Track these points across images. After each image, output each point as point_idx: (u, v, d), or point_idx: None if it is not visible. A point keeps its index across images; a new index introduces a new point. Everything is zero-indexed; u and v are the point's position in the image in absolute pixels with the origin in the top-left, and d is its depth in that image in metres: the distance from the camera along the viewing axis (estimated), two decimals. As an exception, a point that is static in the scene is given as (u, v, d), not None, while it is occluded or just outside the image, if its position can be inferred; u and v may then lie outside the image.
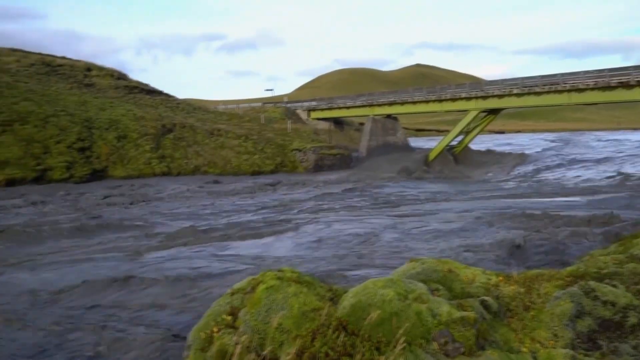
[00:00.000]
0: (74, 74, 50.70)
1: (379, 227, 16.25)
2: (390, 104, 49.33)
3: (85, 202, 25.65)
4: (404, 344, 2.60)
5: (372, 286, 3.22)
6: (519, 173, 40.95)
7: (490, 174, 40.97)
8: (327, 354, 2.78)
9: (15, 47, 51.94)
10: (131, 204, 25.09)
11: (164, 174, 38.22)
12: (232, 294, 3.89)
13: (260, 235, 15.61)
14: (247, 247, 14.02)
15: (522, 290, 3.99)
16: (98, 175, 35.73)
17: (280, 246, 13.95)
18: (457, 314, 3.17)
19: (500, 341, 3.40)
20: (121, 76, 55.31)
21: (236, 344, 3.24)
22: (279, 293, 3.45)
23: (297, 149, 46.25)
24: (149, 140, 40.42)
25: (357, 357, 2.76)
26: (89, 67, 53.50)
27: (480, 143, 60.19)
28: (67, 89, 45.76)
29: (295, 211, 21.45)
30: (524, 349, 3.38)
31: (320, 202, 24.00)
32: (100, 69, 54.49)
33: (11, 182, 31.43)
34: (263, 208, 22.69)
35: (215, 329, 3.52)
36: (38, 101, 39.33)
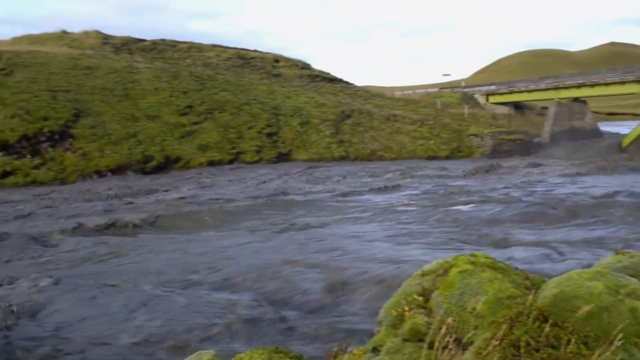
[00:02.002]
0: (264, 66, 54.29)
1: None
2: (579, 86, 45.30)
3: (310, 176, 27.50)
4: (622, 341, 2.37)
5: (577, 277, 2.98)
6: None
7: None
8: (528, 343, 2.64)
9: (216, 43, 57.01)
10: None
11: (342, 158, 39.40)
12: (422, 275, 3.87)
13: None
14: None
15: None
16: (283, 158, 37.97)
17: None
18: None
19: None
20: (305, 66, 57.96)
21: (429, 324, 3.22)
22: (473, 278, 3.35)
23: (473, 134, 44.68)
24: (329, 126, 41.94)
25: (561, 350, 2.58)
26: (277, 59, 56.88)
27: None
28: (258, 80, 49.16)
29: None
30: None
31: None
32: (287, 60, 57.62)
33: (211, 163, 34.74)
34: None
35: (406, 308, 3.52)
36: (234, 91, 42.86)
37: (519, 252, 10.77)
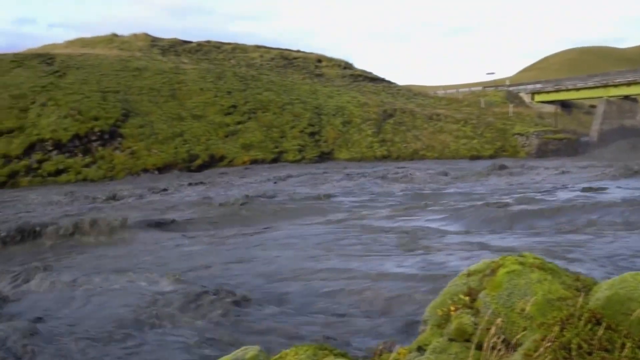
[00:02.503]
0: (306, 66, 54.50)
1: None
2: (629, 84, 43.79)
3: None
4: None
5: (631, 279, 2.88)
6: None
7: None
8: (579, 346, 2.56)
9: (259, 44, 57.55)
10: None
11: (384, 157, 39.18)
12: (469, 275, 3.81)
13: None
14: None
15: None
16: (325, 157, 38.03)
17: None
18: None
19: None
20: (347, 66, 57.90)
21: (476, 324, 3.17)
22: (521, 278, 3.28)
23: (518, 133, 43.75)
24: (371, 125, 41.79)
25: (615, 354, 2.50)
26: (319, 59, 57.02)
27: None
28: (301, 79, 49.38)
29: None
30: None
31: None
32: (329, 60, 57.69)
33: (254, 162, 35.09)
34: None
35: (452, 308, 3.47)
36: (277, 91, 43.18)
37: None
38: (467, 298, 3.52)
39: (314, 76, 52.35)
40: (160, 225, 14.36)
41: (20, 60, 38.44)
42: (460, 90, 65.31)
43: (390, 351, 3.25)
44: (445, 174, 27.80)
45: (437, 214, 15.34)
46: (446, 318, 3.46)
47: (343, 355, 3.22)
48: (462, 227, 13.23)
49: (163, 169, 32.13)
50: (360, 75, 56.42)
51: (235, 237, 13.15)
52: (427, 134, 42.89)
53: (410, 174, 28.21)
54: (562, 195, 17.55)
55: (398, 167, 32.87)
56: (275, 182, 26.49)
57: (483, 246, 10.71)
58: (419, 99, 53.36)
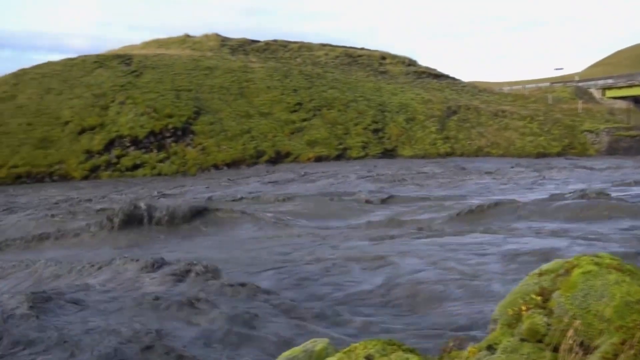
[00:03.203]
0: (370, 63, 54.21)
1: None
2: None
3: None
4: None
5: None
6: None
7: None
8: (662, 352, 2.42)
9: (324, 42, 57.73)
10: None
11: (447, 154, 38.44)
12: (540, 274, 3.67)
13: None
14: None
15: None
16: (388, 154, 37.72)
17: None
18: None
19: None
20: (411, 63, 57.17)
21: (548, 325, 3.05)
22: (598, 279, 3.13)
23: (588, 130, 41.85)
24: (434, 122, 41.10)
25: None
26: (383, 56, 56.58)
27: None
28: (365, 77, 49.17)
29: None
30: None
31: None
32: (393, 57, 57.13)
33: (318, 159, 35.27)
34: None
35: (523, 307, 3.36)
36: (341, 88, 43.20)
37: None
38: (539, 298, 3.40)
39: (378, 73, 52.00)
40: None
41: (101, 61, 40.29)
42: (527, 86, 63.09)
43: (461, 349, 3.18)
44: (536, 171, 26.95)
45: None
46: (517, 318, 3.35)
47: (411, 351, 3.19)
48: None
49: (232, 164, 32.85)
50: (424, 72, 55.58)
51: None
52: (491, 130, 41.74)
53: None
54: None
55: (477, 166, 31.99)
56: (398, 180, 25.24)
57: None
58: (483, 96, 51.98)
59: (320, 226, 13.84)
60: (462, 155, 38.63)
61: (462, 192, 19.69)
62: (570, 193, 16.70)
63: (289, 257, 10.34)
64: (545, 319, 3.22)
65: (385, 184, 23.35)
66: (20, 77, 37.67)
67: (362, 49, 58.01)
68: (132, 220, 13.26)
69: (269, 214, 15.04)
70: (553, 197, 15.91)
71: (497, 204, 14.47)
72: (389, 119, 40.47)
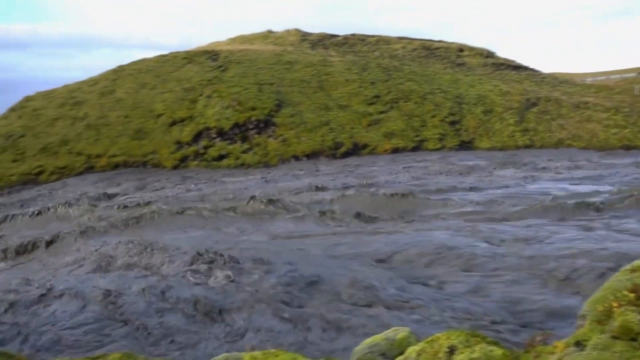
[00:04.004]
0: (448, 55, 52.87)
1: None
2: None
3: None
4: None
5: None
6: None
7: None
8: None
9: (402, 35, 56.91)
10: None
11: (526, 147, 36.86)
12: (632, 270, 3.47)
13: None
14: None
15: None
16: (465, 146, 36.69)
17: None
18: None
19: None
20: (489, 54, 55.20)
21: (643, 324, 2.87)
22: (698, 278, 2.90)
23: (680, 123, 38.74)
24: (513, 114, 39.53)
25: None
26: (461, 48, 55.00)
27: None
28: (442, 69, 48.06)
29: None
30: None
31: None
32: (471, 49, 55.39)
33: (395, 150, 34.91)
34: None
35: (614, 304, 3.18)
36: (418, 81, 42.46)
37: None
38: (632, 295, 3.20)
39: (455, 65, 50.63)
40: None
41: (190, 57, 41.84)
42: (612, 77, 59.24)
43: (546, 344, 3.05)
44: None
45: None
46: (607, 314, 3.18)
47: (495, 343, 3.10)
48: None
49: (311, 155, 33.18)
50: (502, 64, 53.50)
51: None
52: (573, 122, 39.59)
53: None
54: None
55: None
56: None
57: None
58: (565, 87, 49.35)
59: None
60: (541, 147, 36.93)
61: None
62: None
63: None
64: (638, 317, 3.03)
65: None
66: (119, 73, 39.89)
67: (440, 41, 56.66)
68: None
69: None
70: None
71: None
72: (466, 111, 39.36)
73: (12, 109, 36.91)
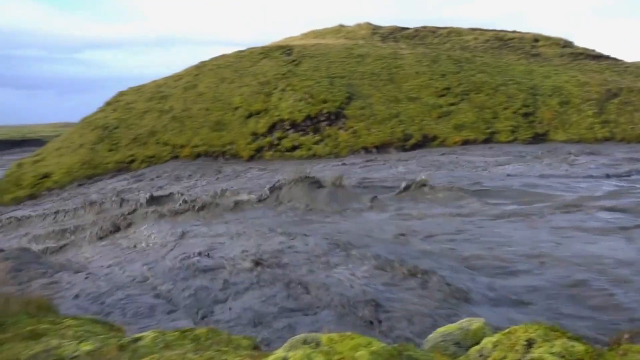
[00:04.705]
0: (522, 46, 50.69)
1: None
2: None
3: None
4: None
5: None
6: None
7: None
8: None
9: (473, 26, 55.09)
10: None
11: (605, 139, 34.79)
12: None
13: None
14: None
15: None
16: (539, 138, 35.13)
17: None
18: None
19: None
20: (566, 44, 52.37)
21: None
22: None
23: None
24: (591, 106, 37.38)
25: None
26: (536, 38, 52.54)
27: None
28: (516, 60, 46.17)
29: None
30: None
31: None
32: (547, 39, 52.78)
33: (465, 142, 33.98)
34: None
35: None
36: (490, 72, 41.02)
37: None
38: None
39: (530, 56, 48.46)
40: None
41: (266, 52, 42.56)
42: (703, 65, 54.58)
43: (633, 342, 2.88)
44: None
45: None
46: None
47: (576, 339, 2.96)
48: None
49: (380, 147, 32.94)
50: (581, 54, 50.61)
51: None
52: (658, 114, 36.90)
53: None
54: None
55: None
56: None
57: None
58: (649, 77, 46.02)
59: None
60: (622, 140, 34.74)
61: None
62: None
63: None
64: None
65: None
66: (201, 68, 41.26)
67: (514, 31, 54.38)
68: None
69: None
70: None
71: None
72: (540, 103, 37.62)
73: (108, 103, 39.22)
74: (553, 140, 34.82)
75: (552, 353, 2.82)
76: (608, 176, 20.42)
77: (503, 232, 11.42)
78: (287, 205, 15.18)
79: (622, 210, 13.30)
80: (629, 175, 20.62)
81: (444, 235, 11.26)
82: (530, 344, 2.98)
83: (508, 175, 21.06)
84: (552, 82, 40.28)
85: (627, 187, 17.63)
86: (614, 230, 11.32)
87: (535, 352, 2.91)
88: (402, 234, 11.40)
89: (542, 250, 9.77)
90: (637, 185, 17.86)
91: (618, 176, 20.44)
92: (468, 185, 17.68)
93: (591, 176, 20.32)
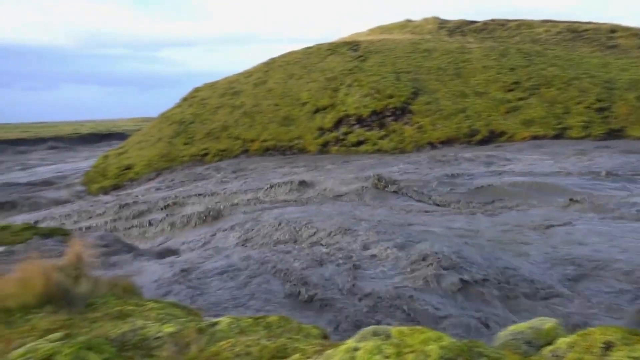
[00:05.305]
0: (597, 38, 47.88)
1: None
2: None
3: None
4: None
5: None
6: None
7: None
8: None
9: (545, 18, 52.62)
10: None
11: (688, 135, 32.26)
12: None
13: None
14: None
15: None
16: (614, 134, 33.11)
17: None
18: None
19: None
20: (647, 35, 48.90)
21: None
22: None
23: None
24: (674, 100, 34.77)
25: None
26: (613, 29, 49.43)
27: None
28: (589, 52, 43.70)
29: None
30: None
31: None
32: (625, 29, 49.52)
33: (534, 138, 32.60)
34: None
35: None
36: (562, 65, 39.07)
37: None
38: None
39: (606, 48, 45.68)
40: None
41: (333, 48, 42.63)
42: None
43: None
44: None
45: None
46: None
47: (659, 344, 2.78)
48: None
49: (445, 142, 32.23)
50: (662, 45, 47.12)
51: None
52: None
53: None
54: None
55: None
56: None
57: None
58: None
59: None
60: None
61: None
62: None
63: None
64: None
65: None
66: (270, 65, 41.97)
67: (589, 22, 51.42)
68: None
69: None
70: None
71: None
72: (616, 97, 35.41)
73: (184, 99, 40.79)
74: (629, 136, 32.74)
75: (632, 357, 2.68)
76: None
77: None
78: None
79: None
80: None
81: None
82: (608, 346, 2.84)
83: None
84: (630, 75, 37.81)
85: None
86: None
87: (614, 355, 2.77)
88: None
89: None
90: None
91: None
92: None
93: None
